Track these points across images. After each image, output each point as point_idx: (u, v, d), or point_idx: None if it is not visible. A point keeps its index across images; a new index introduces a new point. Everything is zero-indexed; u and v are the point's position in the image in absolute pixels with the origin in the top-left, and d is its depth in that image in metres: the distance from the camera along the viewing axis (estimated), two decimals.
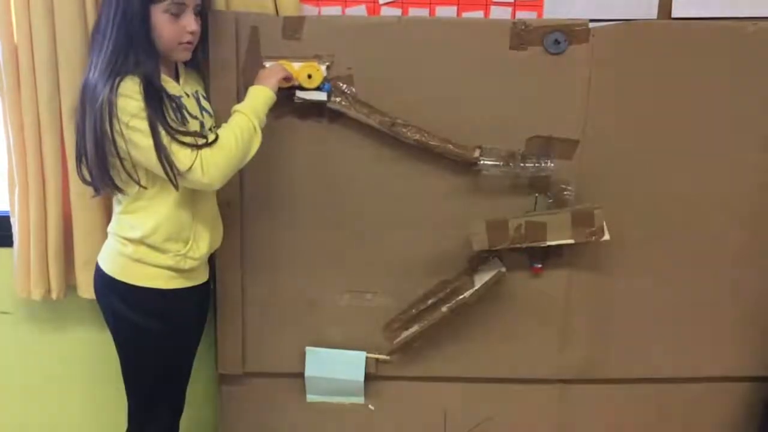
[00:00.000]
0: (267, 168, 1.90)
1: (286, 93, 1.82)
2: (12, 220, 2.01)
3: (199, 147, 1.61)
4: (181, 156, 1.59)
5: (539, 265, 1.96)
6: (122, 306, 1.74)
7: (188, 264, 1.74)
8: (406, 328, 2.01)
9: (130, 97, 1.56)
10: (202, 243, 1.77)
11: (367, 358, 2.03)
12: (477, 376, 2.07)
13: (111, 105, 1.55)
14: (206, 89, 1.84)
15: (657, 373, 2.10)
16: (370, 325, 2.02)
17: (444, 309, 1.96)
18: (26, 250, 1.99)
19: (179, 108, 1.65)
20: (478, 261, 1.96)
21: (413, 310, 2.00)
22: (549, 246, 1.89)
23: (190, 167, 1.59)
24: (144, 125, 1.56)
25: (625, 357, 2.07)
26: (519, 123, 1.88)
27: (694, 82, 1.89)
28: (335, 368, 2.06)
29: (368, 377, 2.06)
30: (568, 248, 1.93)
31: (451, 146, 1.85)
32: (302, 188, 1.93)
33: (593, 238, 1.86)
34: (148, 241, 1.69)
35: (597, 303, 2.02)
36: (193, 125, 1.69)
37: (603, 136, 1.89)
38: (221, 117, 1.75)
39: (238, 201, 1.91)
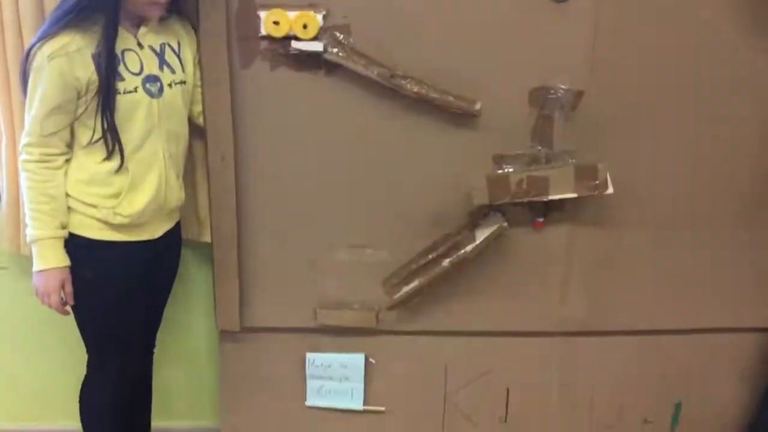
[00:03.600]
0: (262, 121, 1.85)
1: (282, 44, 1.77)
2: None
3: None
4: (28, 130, 1.69)
5: (541, 219, 1.92)
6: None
7: (118, 220, 1.77)
8: (407, 283, 1.99)
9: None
10: (137, 201, 1.77)
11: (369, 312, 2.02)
12: (478, 330, 2.06)
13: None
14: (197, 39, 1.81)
15: (658, 326, 2.09)
16: (370, 280, 2.00)
17: (444, 263, 1.94)
18: (15, 204, 1.96)
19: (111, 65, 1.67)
20: (479, 215, 1.92)
21: (413, 265, 1.98)
22: (551, 200, 1.85)
23: (21, 147, 1.71)
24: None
25: (627, 310, 2.06)
26: (522, 74, 1.82)
27: (701, 32, 1.82)
28: (335, 372, 2.10)
29: (369, 332, 2.05)
30: (570, 202, 1.89)
31: (451, 98, 1.80)
32: (298, 142, 1.88)
33: (596, 191, 1.82)
34: (73, 192, 1.74)
35: (598, 257, 1.99)
36: (131, 82, 1.71)
37: (608, 87, 1.83)
38: (211, 63, 1.75)
39: (232, 154, 1.86)
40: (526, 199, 1.83)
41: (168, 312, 2.11)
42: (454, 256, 1.93)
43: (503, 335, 2.08)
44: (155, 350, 2.11)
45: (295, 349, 2.09)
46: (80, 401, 1.99)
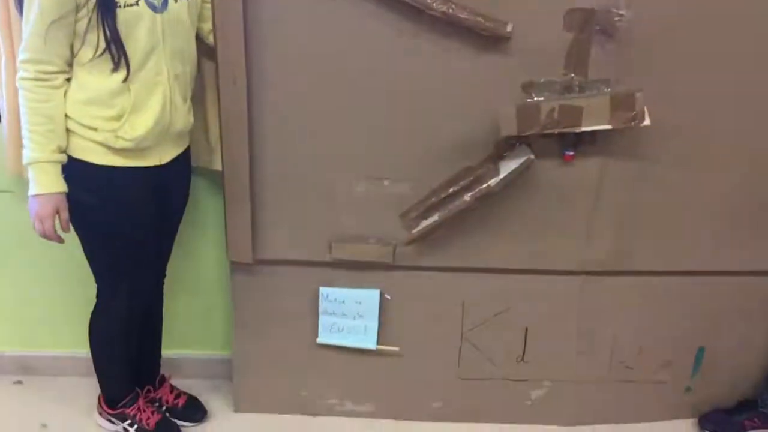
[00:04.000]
0: (277, 41, 1.73)
1: None
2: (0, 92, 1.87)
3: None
4: (25, 46, 1.59)
5: (571, 152, 1.82)
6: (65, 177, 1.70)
7: (120, 144, 1.67)
8: (425, 217, 1.89)
9: None
10: (140, 124, 1.67)
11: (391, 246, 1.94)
12: (498, 267, 1.98)
13: None
14: None
15: (685, 267, 2.01)
16: (387, 214, 1.91)
17: (466, 197, 1.84)
18: (15, 125, 1.86)
19: None
20: (504, 147, 1.82)
21: (433, 198, 1.88)
22: (582, 132, 1.74)
23: (18, 64, 1.61)
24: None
25: (653, 250, 1.97)
26: None
27: None
28: (348, 308, 2.03)
29: (385, 267, 1.97)
30: (602, 134, 1.78)
31: (481, 19, 1.67)
32: (315, 65, 1.76)
33: (632, 123, 1.71)
34: (72, 114, 1.65)
35: (629, 193, 1.89)
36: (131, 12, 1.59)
37: (649, 11, 1.70)
38: None
39: (244, 77, 1.75)
40: (556, 131, 1.72)
41: (179, 241, 2.04)
42: (476, 190, 1.83)
43: (524, 273, 1.99)
44: (165, 279, 2.05)
45: (308, 283, 2.01)
46: (90, 330, 1.94)
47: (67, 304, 2.23)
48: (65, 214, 1.69)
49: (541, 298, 2.03)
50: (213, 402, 2.20)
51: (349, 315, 2.04)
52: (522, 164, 1.78)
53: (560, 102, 1.70)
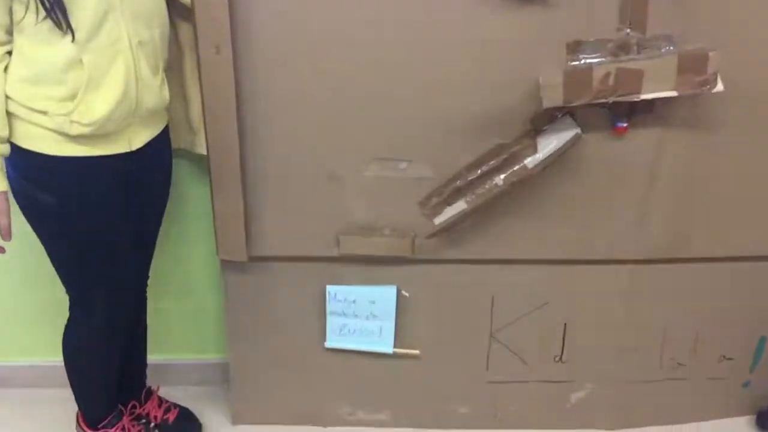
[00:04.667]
0: (268, 2, 1.42)
1: None
2: None
3: None
4: None
5: (623, 124, 1.52)
6: (11, 171, 1.41)
7: (76, 130, 1.36)
8: (449, 203, 1.60)
9: None
10: (99, 104, 1.35)
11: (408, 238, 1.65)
12: (534, 257, 1.70)
13: None
14: None
15: (747, 252, 1.73)
16: (404, 200, 1.62)
17: (498, 181, 1.55)
18: None
19: None
20: (544, 120, 1.52)
21: (458, 182, 1.58)
22: (638, 100, 1.45)
23: None
24: None
25: (713, 234, 1.69)
26: None
27: None
28: (360, 308, 1.76)
29: (402, 260, 1.69)
30: (661, 102, 1.48)
31: None
32: (313, 27, 1.45)
33: (703, 89, 1.41)
34: (15, 95, 1.34)
35: (690, 170, 1.60)
36: None
37: None
38: None
39: (229, 44, 1.44)
40: (611, 99, 1.42)
41: (164, 235, 1.76)
42: (510, 172, 1.54)
43: (564, 263, 1.71)
44: (150, 279, 1.77)
45: (313, 281, 1.73)
46: (63, 346, 1.66)
47: (44, 309, 1.94)
48: (5, 220, 1.40)
49: (583, 290, 1.75)
50: (208, 414, 1.93)
51: (362, 315, 1.76)
52: (567, 141, 1.48)
53: (618, 65, 1.39)
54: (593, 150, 1.55)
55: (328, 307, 1.75)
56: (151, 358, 1.91)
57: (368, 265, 1.71)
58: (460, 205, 1.59)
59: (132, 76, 1.37)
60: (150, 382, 1.90)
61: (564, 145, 1.49)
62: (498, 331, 1.79)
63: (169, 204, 1.73)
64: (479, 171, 1.57)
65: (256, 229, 1.65)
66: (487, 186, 1.56)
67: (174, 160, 1.70)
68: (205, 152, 1.57)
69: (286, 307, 1.76)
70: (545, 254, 1.70)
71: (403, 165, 1.58)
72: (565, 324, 1.80)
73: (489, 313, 1.77)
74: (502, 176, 1.55)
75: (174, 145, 1.66)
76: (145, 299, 1.76)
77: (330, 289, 1.73)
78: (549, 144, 1.50)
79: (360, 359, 1.82)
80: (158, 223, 1.68)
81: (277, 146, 1.56)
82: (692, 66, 1.39)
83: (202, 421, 1.90)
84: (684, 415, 1.93)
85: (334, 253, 1.67)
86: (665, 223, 1.66)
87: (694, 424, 1.94)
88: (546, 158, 1.51)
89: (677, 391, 1.89)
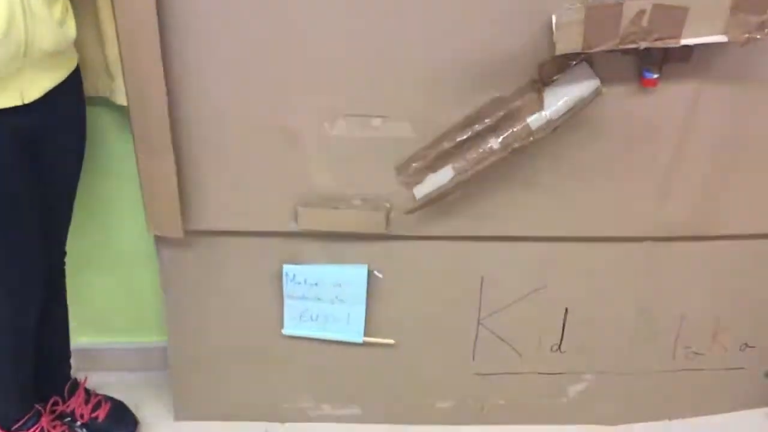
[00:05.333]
0: None
1: None
2: None
3: None
4: None
5: (654, 76, 1.21)
6: None
7: None
8: (433, 170, 1.30)
9: None
10: None
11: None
12: (533, 234, 1.41)
13: None
14: None
15: None
16: (377, 165, 1.31)
17: (493, 144, 1.25)
18: None
19: None
20: (553, 68, 1.20)
21: (444, 144, 1.27)
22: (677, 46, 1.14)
23: None
24: None
25: (749, 206, 1.42)
26: None
27: None
28: (324, 291, 1.46)
29: (375, 236, 1.40)
30: (703, 50, 1.18)
31: None
32: None
33: (760, 34, 1.11)
34: None
35: (727, 134, 1.31)
36: None
37: None
38: None
39: None
40: (643, 45, 1.11)
41: (90, 201, 1.48)
42: (509, 133, 1.24)
43: (569, 241, 1.43)
44: (74, 254, 1.47)
45: (266, 259, 1.43)
46: None
47: None
48: None
49: (590, 272, 1.47)
50: (146, 407, 1.65)
51: (326, 299, 1.47)
52: (583, 96, 1.18)
53: (654, 1, 1.07)
54: (613, 107, 1.24)
55: (285, 290, 1.46)
56: (79, 342, 1.63)
57: (333, 241, 1.41)
58: (446, 173, 1.28)
59: (18, 8, 1.03)
60: (78, 369, 1.62)
61: (578, 101, 1.18)
62: (487, 317, 1.52)
63: (94, 164, 1.44)
64: (471, 131, 1.26)
65: (196, 199, 1.34)
66: (480, 150, 1.26)
67: (96, 111, 1.38)
68: (125, 103, 1.25)
69: (236, 288, 1.47)
70: (546, 230, 1.41)
71: (377, 122, 1.26)
72: (566, 309, 1.52)
73: (477, 296, 1.49)
74: (499, 138, 1.24)
75: (91, 92, 1.34)
76: (62, 277, 1.46)
77: (287, 269, 1.43)
78: (559, 99, 1.20)
79: (325, 347, 1.54)
80: (71, 188, 1.36)
81: (216, 96, 1.24)
82: (749, 4, 1.07)
83: (140, 415, 1.63)
84: (695, 408, 1.69)
85: (292, 227, 1.37)
86: (692, 195, 1.37)
87: (704, 418, 1.70)
88: (555, 117, 1.20)
89: (690, 383, 1.64)
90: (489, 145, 1.25)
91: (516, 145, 1.22)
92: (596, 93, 1.18)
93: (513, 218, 1.38)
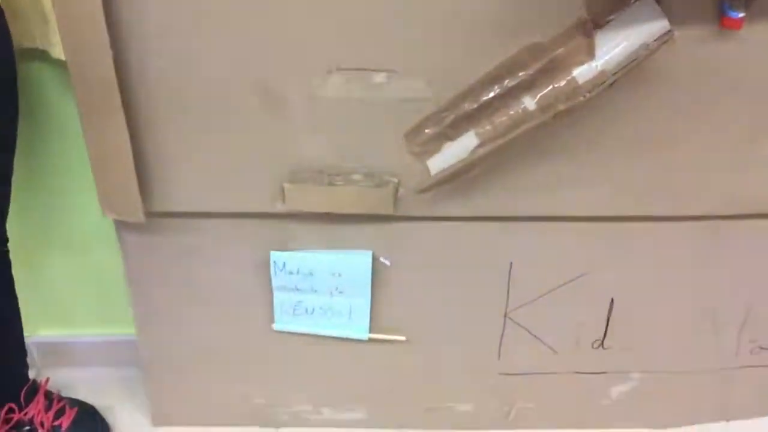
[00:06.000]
0: None
1: None
2: None
3: None
4: None
5: (738, 15, 0.93)
6: None
7: None
8: (452, 138, 1.03)
9: None
10: None
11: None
12: (574, 213, 1.15)
13: None
14: None
15: None
16: (382, 133, 1.04)
17: (528, 104, 0.98)
18: None
19: None
20: (608, 4, 0.93)
21: (466, 105, 1.01)
22: None
23: None
24: None
25: None
26: None
27: None
28: (320, 282, 1.21)
29: (381, 218, 1.15)
30: None
31: None
32: None
33: None
34: None
35: None
36: None
37: None
38: None
39: None
40: None
41: (43, 174, 1.25)
42: (549, 90, 0.97)
43: (612, 221, 1.17)
44: (32, 236, 1.28)
45: (249, 245, 1.19)
46: None
47: None
48: None
49: (641, 255, 1.22)
50: (121, 410, 1.43)
51: (323, 291, 1.23)
52: (646, 42, 0.90)
53: None
54: (684, 55, 0.97)
55: (274, 281, 1.21)
56: (39, 336, 1.41)
57: (330, 223, 1.16)
58: (468, 141, 1.02)
59: None
60: (42, 367, 1.40)
61: (640, 47, 0.91)
62: (516, 309, 1.27)
63: (43, 130, 1.18)
64: (500, 88, 0.99)
65: (159, 174, 1.09)
66: (511, 112, 0.99)
67: (36, 67, 1.13)
68: (62, 57, 0.99)
69: (214, 279, 1.23)
70: (589, 209, 1.15)
71: (381, 77, 1.00)
72: (612, 299, 1.27)
73: (505, 286, 1.24)
74: (536, 97, 0.98)
75: (26, 42, 1.08)
76: (4, 266, 1.22)
77: (275, 256, 1.19)
78: (615, 46, 0.92)
79: (323, 345, 1.30)
80: (8, 162, 1.11)
81: (178, 48, 0.97)
82: None
83: (113, 419, 1.41)
84: (758, 409, 1.44)
85: (278, 208, 1.12)
86: None
87: (767, 419, 1.46)
88: (609, 69, 0.93)
89: (754, 381, 1.40)
90: (523, 106, 0.99)
91: (559, 106, 0.96)
92: (664, 38, 0.91)
93: (550, 194, 1.12)
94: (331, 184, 1.09)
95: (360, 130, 1.04)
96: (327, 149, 1.06)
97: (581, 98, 0.93)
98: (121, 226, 1.16)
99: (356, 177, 1.09)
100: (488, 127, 1.01)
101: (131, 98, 1.00)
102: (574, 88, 0.96)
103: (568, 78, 0.96)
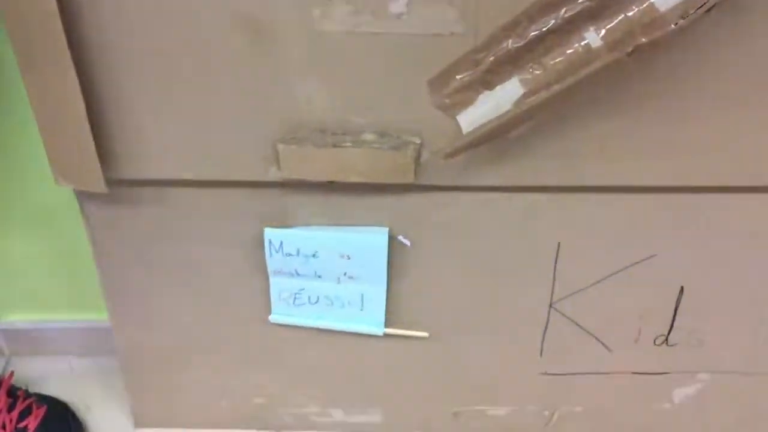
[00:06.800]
0: None
1: None
2: None
3: None
4: None
5: None
6: None
7: None
8: (489, 86, 0.81)
9: None
10: None
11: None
12: (633, 184, 0.93)
13: None
14: None
15: None
16: (399, 79, 0.82)
17: (591, 40, 0.75)
18: None
19: None
20: None
21: (508, 42, 0.78)
22: None
23: None
24: None
25: None
26: None
27: None
28: (326, 265, 0.99)
29: (399, 188, 0.93)
30: None
31: None
32: None
33: None
34: None
35: None
36: None
37: None
38: None
39: None
40: None
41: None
42: (620, 19, 0.74)
43: (688, 192, 0.94)
44: None
45: (239, 220, 0.98)
46: None
47: None
48: None
49: (719, 234, 0.99)
50: (99, 406, 1.25)
51: (329, 277, 1.02)
52: None
53: None
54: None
55: (269, 264, 1.00)
56: (7, 322, 1.23)
57: (337, 194, 0.95)
58: (511, 90, 0.79)
59: None
60: (11, 355, 1.22)
61: None
62: (563, 299, 1.05)
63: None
64: (553, 19, 0.76)
65: (124, 134, 0.87)
66: (568, 51, 0.76)
67: None
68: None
69: (197, 260, 1.02)
70: (657, 178, 0.92)
71: (399, 5, 0.77)
72: (682, 288, 1.05)
73: (550, 271, 1.02)
74: (602, 30, 0.74)
75: None
76: None
77: (270, 234, 0.97)
78: None
79: (331, 339, 1.09)
80: None
81: None
82: None
83: (90, 418, 1.23)
84: None
85: (273, 175, 0.90)
86: None
87: None
88: (677, 11, 0.70)
89: None
90: (584, 42, 0.75)
91: (631, 39, 0.72)
92: None
93: (610, 160, 0.89)
94: (336, 145, 0.87)
95: (372, 75, 0.82)
96: (330, 101, 0.84)
97: (671, 27, 0.70)
98: (83, 197, 0.95)
99: (367, 137, 0.86)
100: (538, 72, 0.78)
101: (82, 38, 0.79)
102: (653, 19, 0.72)
103: (645, 5, 0.72)
